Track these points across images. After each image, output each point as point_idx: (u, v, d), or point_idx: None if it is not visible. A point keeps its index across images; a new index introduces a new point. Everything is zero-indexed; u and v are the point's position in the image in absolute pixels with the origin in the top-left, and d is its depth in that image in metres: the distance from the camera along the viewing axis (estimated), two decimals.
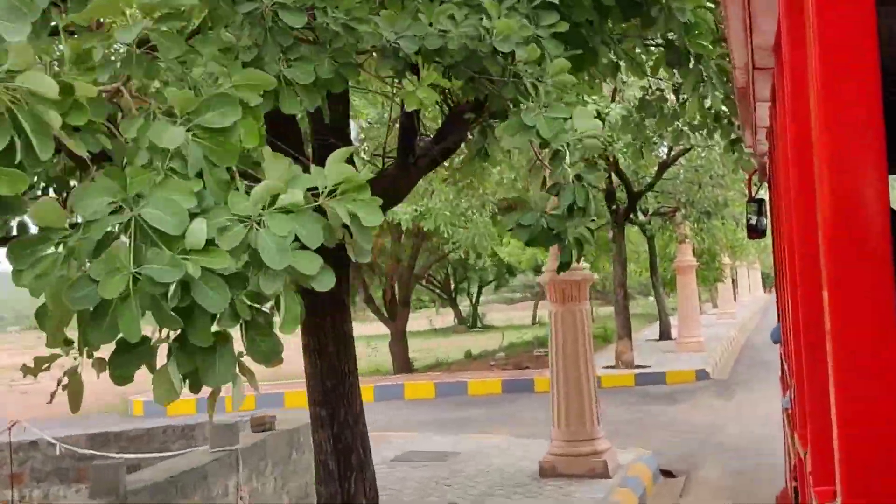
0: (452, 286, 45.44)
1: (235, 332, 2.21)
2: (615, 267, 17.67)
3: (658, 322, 24.39)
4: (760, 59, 3.21)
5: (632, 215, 18.12)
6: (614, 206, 17.27)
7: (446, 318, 46.73)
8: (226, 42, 3.00)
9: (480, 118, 5.11)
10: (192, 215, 2.03)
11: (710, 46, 5.16)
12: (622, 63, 5.48)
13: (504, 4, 3.63)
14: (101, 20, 2.56)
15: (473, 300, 46.22)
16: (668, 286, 26.60)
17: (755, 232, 5.72)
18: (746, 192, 20.30)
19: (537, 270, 39.72)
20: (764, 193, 6.83)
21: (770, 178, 5.57)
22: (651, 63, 5.89)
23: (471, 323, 44.35)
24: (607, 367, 17.32)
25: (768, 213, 5.76)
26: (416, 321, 48.79)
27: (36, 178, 2.95)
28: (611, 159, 16.18)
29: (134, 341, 2.01)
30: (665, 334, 23.74)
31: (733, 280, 47.30)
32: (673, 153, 16.99)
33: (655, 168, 17.15)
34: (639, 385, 16.33)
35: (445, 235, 17.38)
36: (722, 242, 25.59)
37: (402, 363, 21.88)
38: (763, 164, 5.86)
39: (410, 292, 24.19)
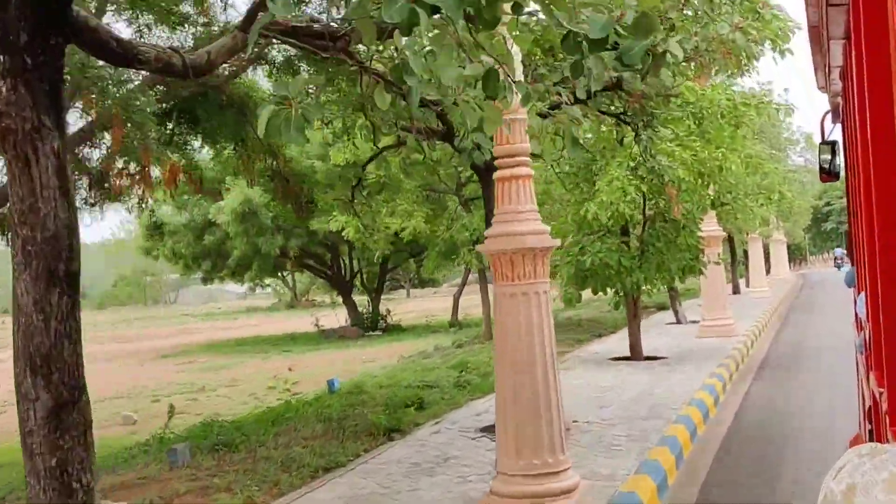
0: (346, 271, 33.41)
1: None
2: None
3: None
4: None
5: None
6: None
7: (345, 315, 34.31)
8: None
9: None
10: None
11: None
12: None
13: None
14: None
15: (374, 290, 33.67)
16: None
17: (829, 175, 5.56)
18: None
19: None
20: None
21: (844, 119, 5.25)
22: None
23: (369, 323, 31.84)
24: None
25: (841, 156, 5.46)
26: (300, 320, 36.26)
27: None
28: None
29: None
30: None
31: (745, 256, 34.70)
32: None
33: None
34: None
35: None
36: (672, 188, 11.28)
37: None
38: (836, 104, 5.61)
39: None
